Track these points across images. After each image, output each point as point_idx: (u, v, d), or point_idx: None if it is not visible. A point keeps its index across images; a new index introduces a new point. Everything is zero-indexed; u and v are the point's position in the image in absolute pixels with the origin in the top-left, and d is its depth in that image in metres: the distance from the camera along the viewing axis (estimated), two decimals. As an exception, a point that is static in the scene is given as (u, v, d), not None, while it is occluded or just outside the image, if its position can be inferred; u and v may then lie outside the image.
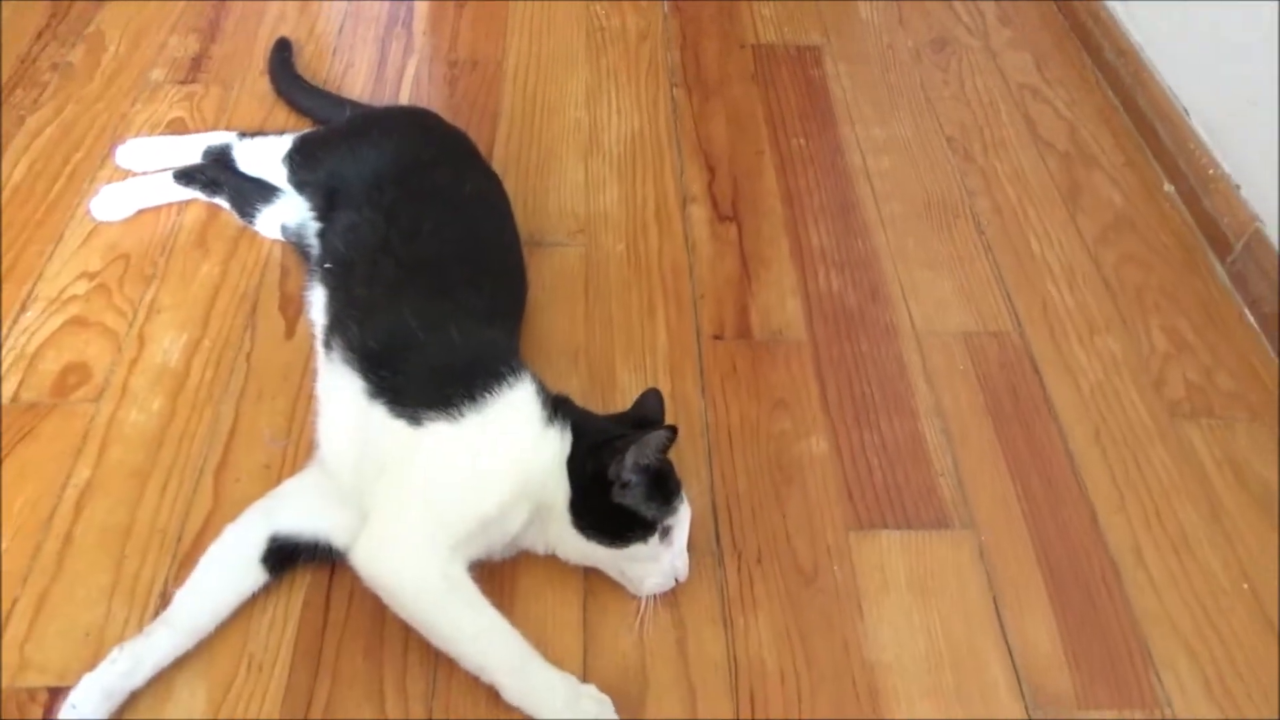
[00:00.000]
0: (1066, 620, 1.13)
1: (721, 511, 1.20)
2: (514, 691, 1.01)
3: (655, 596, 1.10)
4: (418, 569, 1.03)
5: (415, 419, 1.07)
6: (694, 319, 1.43)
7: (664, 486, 1.09)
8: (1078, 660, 1.09)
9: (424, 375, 1.11)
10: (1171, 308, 1.49)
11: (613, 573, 1.12)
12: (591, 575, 1.13)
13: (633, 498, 1.07)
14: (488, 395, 1.08)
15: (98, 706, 0.97)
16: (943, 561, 1.17)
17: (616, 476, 1.07)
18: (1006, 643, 1.10)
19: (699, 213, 1.59)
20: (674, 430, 1.07)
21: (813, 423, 1.31)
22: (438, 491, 1.06)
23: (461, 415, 1.07)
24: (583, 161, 1.66)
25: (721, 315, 1.44)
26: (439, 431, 1.07)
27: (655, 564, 1.08)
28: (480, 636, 1.03)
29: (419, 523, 1.05)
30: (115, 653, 0.99)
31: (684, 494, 1.11)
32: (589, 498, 1.08)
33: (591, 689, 1.02)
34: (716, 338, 1.41)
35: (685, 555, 1.10)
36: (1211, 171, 1.61)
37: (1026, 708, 1.05)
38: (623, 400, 1.29)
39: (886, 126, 1.77)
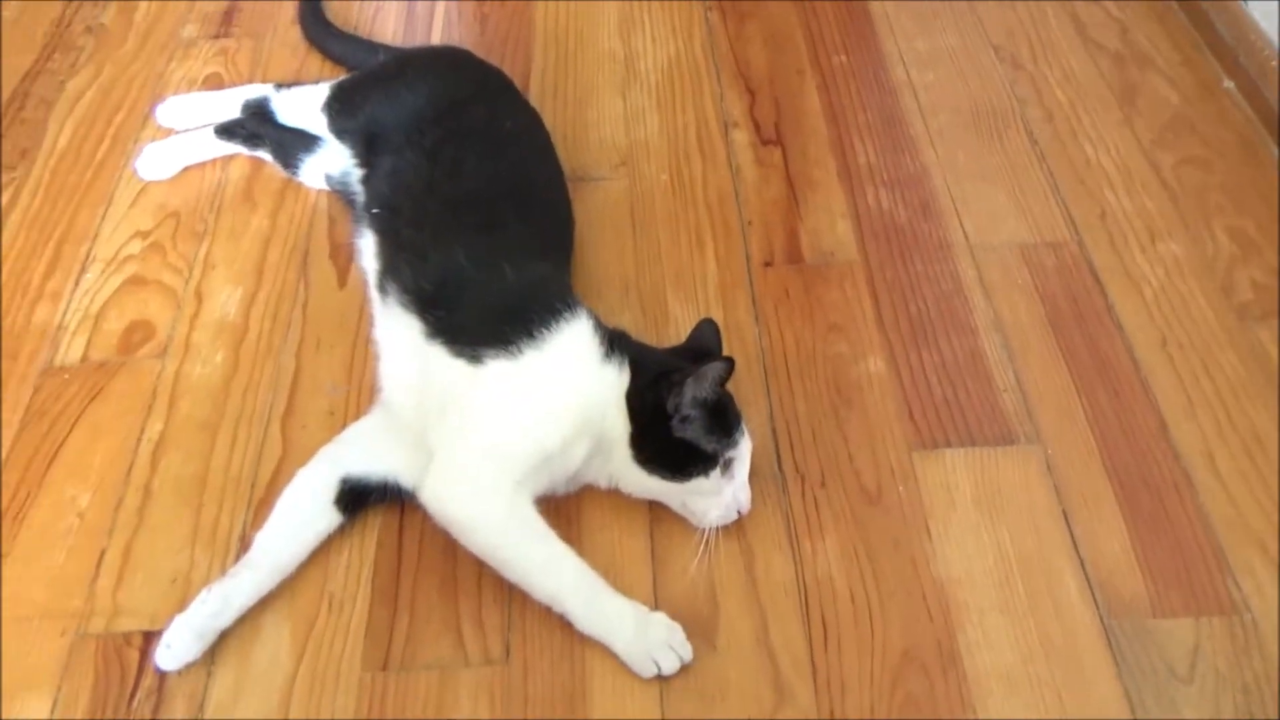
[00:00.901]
0: (1138, 529, 1.12)
1: (782, 437, 1.20)
2: (585, 620, 1.03)
3: (718, 527, 1.10)
4: (486, 504, 1.05)
5: (475, 357, 1.08)
6: (743, 246, 1.41)
7: (724, 419, 1.08)
8: (1151, 568, 1.09)
9: (480, 313, 1.11)
10: (1235, 208, 1.44)
11: (675, 505, 1.12)
12: (656, 506, 1.14)
13: (693, 431, 1.07)
14: (545, 331, 1.09)
15: (190, 646, 1.01)
16: (1009, 477, 1.16)
17: (675, 410, 1.07)
18: (1078, 554, 1.10)
19: (742, 138, 1.56)
20: (731, 362, 1.06)
21: (869, 344, 1.29)
22: (500, 428, 1.07)
23: (520, 352, 1.07)
24: (620, 93, 1.63)
25: (771, 241, 1.42)
26: (499, 369, 1.07)
27: (718, 497, 1.09)
28: (549, 567, 1.04)
29: (484, 459, 1.06)
30: (204, 594, 1.03)
31: (744, 426, 1.11)
32: (649, 432, 1.08)
33: (661, 616, 1.04)
34: (767, 264, 1.39)
35: (747, 488, 1.10)
36: (1275, 63, 1.54)
37: (1101, 617, 1.05)
38: (676, 332, 1.29)
39: (930, 38, 1.71)
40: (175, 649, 1.01)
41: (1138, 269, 1.37)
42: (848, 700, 1.00)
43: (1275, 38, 1.55)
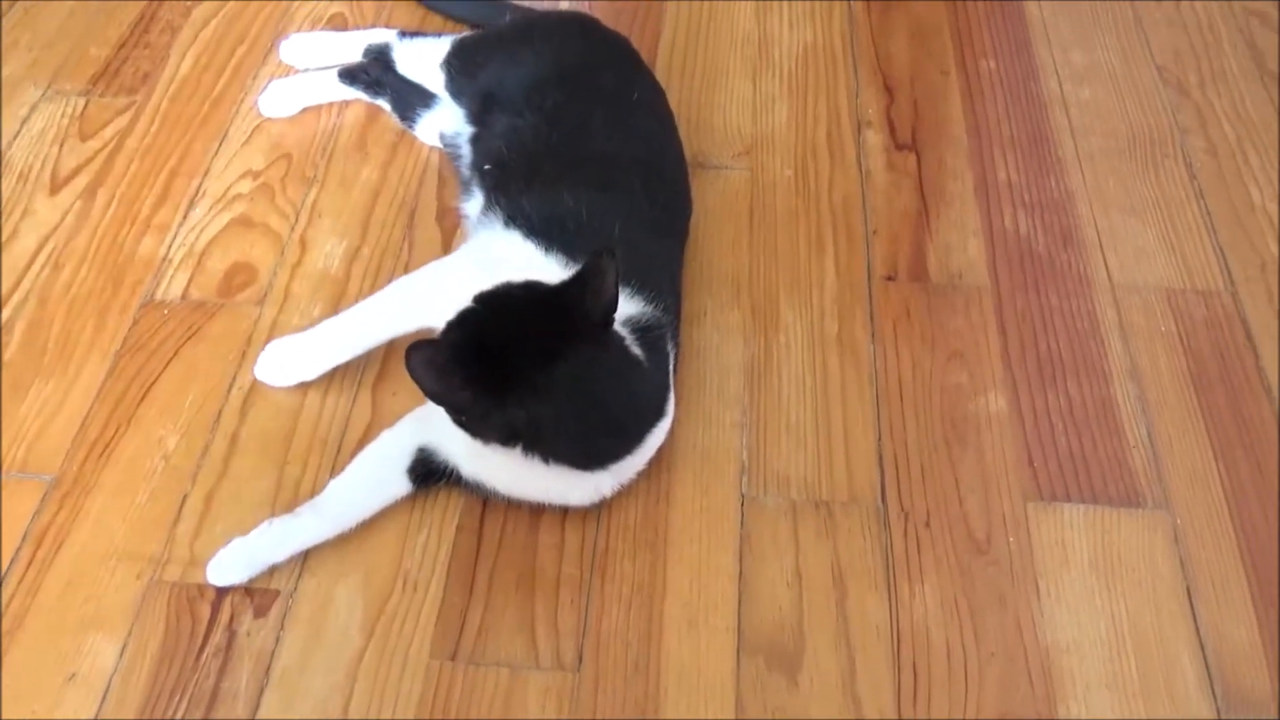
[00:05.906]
0: (1269, 616, 1.02)
1: (889, 467, 1.13)
2: None
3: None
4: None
5: (512, 223, 1.13)
6: (865, 256, 1.33)
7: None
8: (1281, 664, 1.00)
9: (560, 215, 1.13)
10: None
11: None
12: (748, 522, 1.08)
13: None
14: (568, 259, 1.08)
15: (240, 569, 1.03)
16: (1131, 542, 1.08)
17: None
18: (1199, 636, 1.01)
19: (875, 139, 1.47)
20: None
21: (992, 378, 1.21)
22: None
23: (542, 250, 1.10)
24: (750, 77, 1.55)
25: (896, 254, 1.34)
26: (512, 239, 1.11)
27: None
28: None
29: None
30: (265, 525, 1.04)
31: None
32: None
33: None
34: (889, 278, 1.31)
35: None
36: None
37: (1218, 708, 0.97)
38: (785, 339, 1.23)
39: (1088, 51, 1.59)
40: (225, 567, 1.03)
41: (1296, 330, 1.26)
42: (933, 761, 0.94)
43: None
